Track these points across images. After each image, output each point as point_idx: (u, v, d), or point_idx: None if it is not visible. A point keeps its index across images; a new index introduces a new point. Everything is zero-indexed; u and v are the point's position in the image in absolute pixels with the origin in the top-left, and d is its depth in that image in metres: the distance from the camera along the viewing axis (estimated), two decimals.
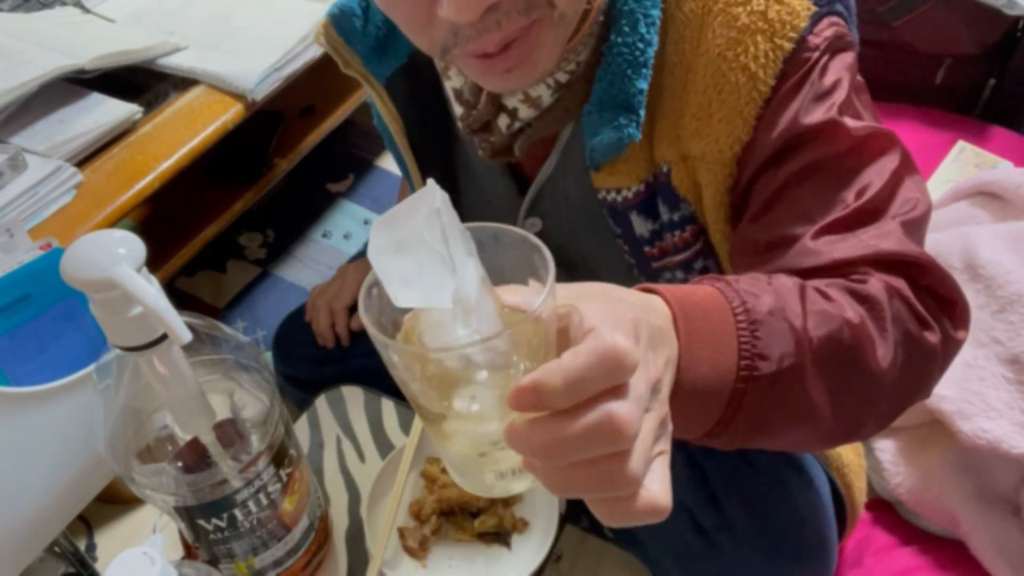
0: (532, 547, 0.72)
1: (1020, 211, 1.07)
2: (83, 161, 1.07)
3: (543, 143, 0.69)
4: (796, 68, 0.56)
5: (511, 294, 0.39)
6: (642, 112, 0.60)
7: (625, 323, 0.37)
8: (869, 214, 0.54)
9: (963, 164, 1.33)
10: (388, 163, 1.83)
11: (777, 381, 0.45)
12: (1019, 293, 0.92)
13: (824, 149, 0.56)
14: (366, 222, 1.71)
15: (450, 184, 0.82)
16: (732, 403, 0.45)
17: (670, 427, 0.39)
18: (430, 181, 0.36)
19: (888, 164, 0.56)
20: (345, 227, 1.71)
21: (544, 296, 0.35)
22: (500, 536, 0.73)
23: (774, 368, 0.45)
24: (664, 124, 0.62)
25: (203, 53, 1.21)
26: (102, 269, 0.44)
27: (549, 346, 0.37)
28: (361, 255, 1.12)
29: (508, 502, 0.75)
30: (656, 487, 0.35)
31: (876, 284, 0.51)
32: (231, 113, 1.15)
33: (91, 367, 0.60)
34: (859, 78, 0.59)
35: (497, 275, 0.38)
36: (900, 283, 0.52)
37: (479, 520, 0.73)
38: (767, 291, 0.47)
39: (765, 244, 0.57)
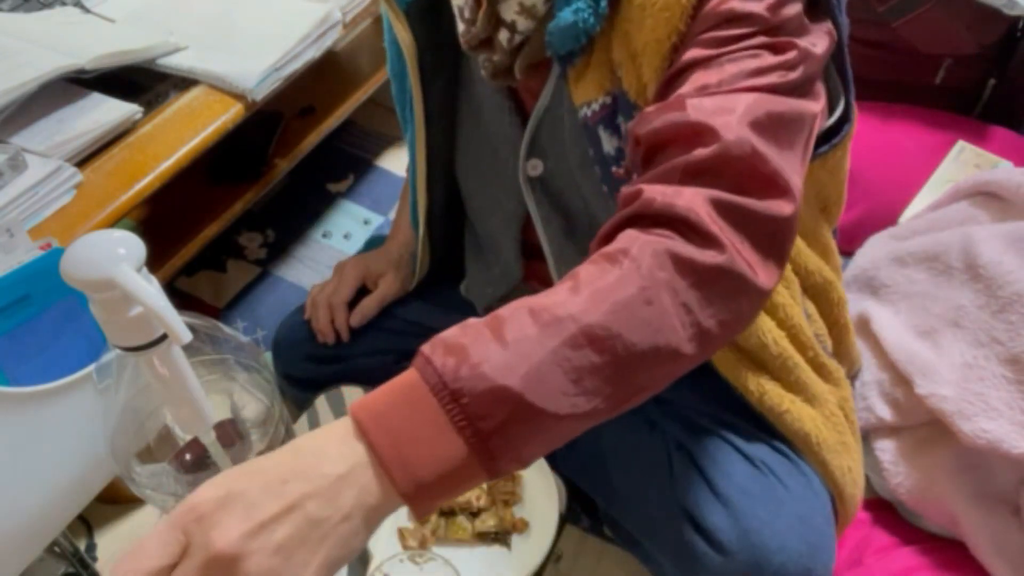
0: (532, 547, 0.72)
1: (1020, 211, 1.07)
2: (83, 161, 1.07)
3: (541, 72, 0.69)
4: None
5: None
6: (603, 3, 0.61)
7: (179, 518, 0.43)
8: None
9: (963, 164, 1.33)
10: (388, 163, 1.82)
11: (511, 423, 0.45)
12: (1019, 293, 0.92)
13: (735, 30, 0.57)
14: (366, 222, 1.71)
15: (449, 123, 0.83)
16: (483, 461, 0.45)
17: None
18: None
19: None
20: (345, 227, 1.71)
21: None
22: (500, 536, 0.74)
23: (502, 416, 0.45)
24: (619, 20, 0.63)
25: (203, 53, 1.21)
26: (102, 269, 0.44)
27: None
28: (360, 254, 1.12)
29: (508, 502, 0.75)
30: None
31: (633, 236, 0.51)
32: (231, 113, 1.15)
33: (91, 367, 0.60)
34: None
35: None
36: (695, 198, 0.52)
37: (479, 520, 0.73)
38: (472, 346, 0.46)
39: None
